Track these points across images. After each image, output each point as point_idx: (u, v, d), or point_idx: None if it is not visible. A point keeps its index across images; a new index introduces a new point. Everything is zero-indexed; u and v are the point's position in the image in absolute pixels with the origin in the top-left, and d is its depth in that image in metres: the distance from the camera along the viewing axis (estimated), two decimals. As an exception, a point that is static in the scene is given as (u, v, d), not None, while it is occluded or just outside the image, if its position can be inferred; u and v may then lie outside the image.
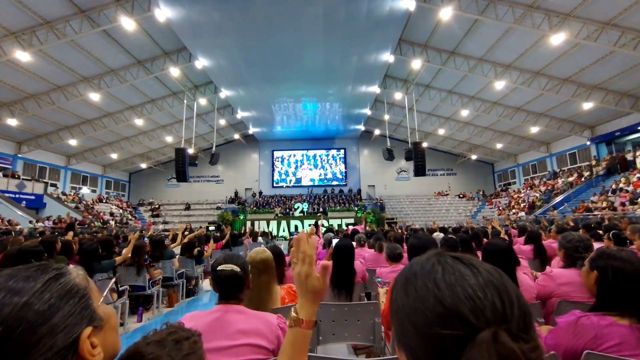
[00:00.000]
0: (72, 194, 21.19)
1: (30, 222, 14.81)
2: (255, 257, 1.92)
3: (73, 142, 19.05)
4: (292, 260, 0.82)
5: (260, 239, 12.15)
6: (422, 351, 0.43)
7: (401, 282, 0.49)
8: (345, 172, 27.78)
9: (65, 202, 19.35)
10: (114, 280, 4.26)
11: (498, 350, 0.37)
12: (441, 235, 4.81)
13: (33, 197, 17.51)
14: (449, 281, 0.44)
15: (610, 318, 1.28)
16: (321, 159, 28.04)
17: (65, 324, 0.48)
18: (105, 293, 0.61)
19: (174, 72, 14.95)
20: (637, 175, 13.85)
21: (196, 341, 0.63)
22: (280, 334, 1.38)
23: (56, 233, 11.29)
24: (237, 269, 1.46)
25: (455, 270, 0.45)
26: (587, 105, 14.48)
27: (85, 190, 23.14)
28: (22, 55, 11.44)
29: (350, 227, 14.82)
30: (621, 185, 14.02)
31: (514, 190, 23.11)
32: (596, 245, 2.55)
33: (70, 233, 6.13)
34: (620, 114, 15.15)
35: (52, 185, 20.33)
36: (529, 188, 21.25)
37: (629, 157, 15.54)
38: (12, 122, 15.06)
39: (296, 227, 20.37)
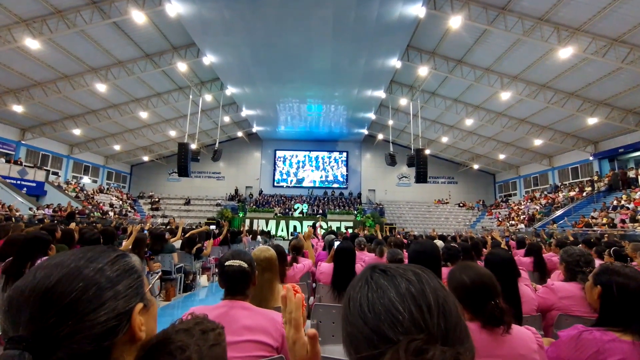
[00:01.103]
0: (74, 183, 21.23)
1: (30, 209, 14.84)
2: (260, 255, 1.93)
3: (77, 132, 19.12)
4: (283, 319, 0.75)
5: (259, 237, 12.15)
6: None
7: (343, 305, 0.52)
8: (347, 175, 27.79)
9: (66, 191, 19.39)
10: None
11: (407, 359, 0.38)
12: (439, 242, 4.81)
13: (34, 185, 17.54)
14: (371, 299, 0.46)
15: (613, 334, 1.28)
16: (323, 160, 28.07)
17: (126, 293, 0.55)
18: (152, 284, 0.65)
19: (182, 67, 15.01)
20: (639, 193, 13.84)
21: (220, 333, 0.65)
22: (284, 332, 1.39)
23: (56, 221, 11.30)
24: (244, 265, 1.48)
25: (378, 286, 0.47)
26: (592, 121, 14.49)
27: (86, 180, 23.19)
28: (32, 43, 11.50)
29: (349, 231, 14.83)
30: (622, 202, 14.01)
31: (515, 202, 23.10)
32: (597, 261, 2.56)
33: (73, 223, 6.14)
34: (625, 131, 15.15)
35: (54, 173, 20.38)
36: (529, 200, 21.24)
37: (632, 174, 15.54)
38: (18, 108, 15.12)
39: (295, 227, 20.36)
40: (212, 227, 12.26)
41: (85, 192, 21.15)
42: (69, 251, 0.58)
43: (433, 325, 0.41)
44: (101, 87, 15.14)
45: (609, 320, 1.35)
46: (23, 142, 18.18)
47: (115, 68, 14.55)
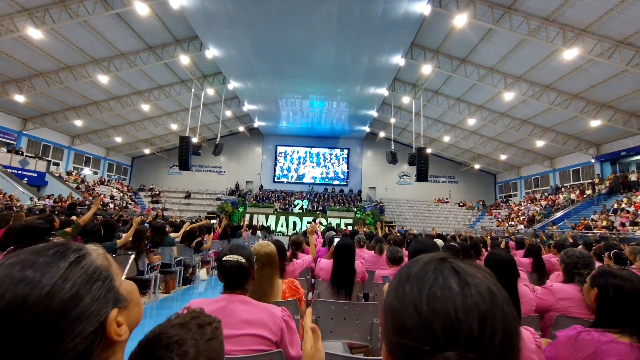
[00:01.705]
0: (75, 174, 21.26)
1: (31, 199, 14.88)
2: (260, 250, 1.94)
3: (78, 123, 19.10)
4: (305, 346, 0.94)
5: (258, 232, 12.19)
6: (395, 351, 0.44)
7: (397, 279, 0.49)
8: (347, 172, 27.78)
9: (67, 182, 19.42)
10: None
11: None
12: (439, 241, 4.82)
13: (35, 175, 17.57)
14: (433, 294, 0.43)
15: (610, 335, 1.29)
16: (324, 157, 28.04)
17: (92, 310, 0.47)
18: (126, 269, 0.63)
19: (184, 60, 14.95)
20: (640, 196, 13.82)
21: (217, 327, 0.64)
22: (283, 326, 1.40)
23: (56, 212, 11.34)
24: (242, 259, 1.47)
25: (445, 285, 0.43)
26: (595, 123, 14.43)
27: (87, 171, 23.21)
28: (34, 33, 11.45)
29: (349, 228, 14.86)
30: (623, 205, 13.99)
31: (515, 203, 23.09)
32: (597, 264, 2.56)
33: (74, 216, 6.17)
34: (627, 134, 15.09)
35: (55, 164, 20.39)
36: (530, 201, 21.23)
37: (633, 177, 15.51)
38: (20, 98, 15.10)
39: (295, 223, 20.40)
40: (213, 221, 12.32)
41: (86, 183, 21.18)
42: (11, 258, 0.48)
43: (490, 352, 0.39)
44: (103, 79, 15.09)
45: (606, 322, 1.36)
46: (24, 132, 18.18)
47: (117, 60, 14.50)
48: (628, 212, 13.32)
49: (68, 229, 4.07)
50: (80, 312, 0.45)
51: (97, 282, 0.50)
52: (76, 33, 12.54)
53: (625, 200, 14.26)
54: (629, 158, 16.80)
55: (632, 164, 17.51)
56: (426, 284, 0.44)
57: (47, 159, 19.29)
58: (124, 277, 0.57)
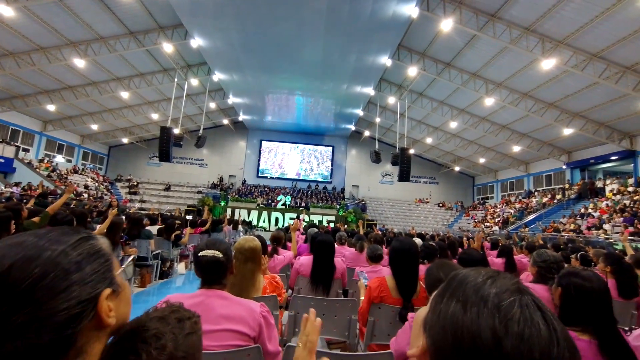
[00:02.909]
0: (46, 161, 20.21)
1: (-3, 186, 14.05)
2: (244, 245, 1.92)
3: (51, 108, 18.13)
4: (298, 342, 0.90)
5: (240, 227, 12.04)
6: None
7: (462, 293, 0.46)
8: (331, 169, 27.88)
9: (38, 170, 18.44)
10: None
11: None
12: (418, 240, 4.94)
13: (2, 161, 16.57)
14: (520, 332, 0.39)
15: (573, 332, 1.36)
16: (308, 154, 28.00)
17: (91, 278, 0.52)
18: (124, 266, 0.63)
19: (167, 48, 14.46)
20: (605, 202, 14.68)
21: (197, 322, 0.64)
22: (262, 322, 1.39)
23: (24, 200, 10.75)
24: (218, 254, 1.45)
25: (533, 325, 0.40)
26: (568, 131, 15.15)
27: (60, 159, 22.10)
28: (5, 10, 10.73)
29: (331, 225, 14.95)
30: (589, 210, 14.81)
31: (491, 205, 23.95)
32: (565, 265, 2.70)
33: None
34: (596, 143, 15.95)
35: (25, 150, 19.30)
36: (505, 204, 22.08)
37: (599, 184, 16.43)
38: (-14, 78, 14.16)
39: (277, 219, 20.31)
40: (189, 216, 12.09)
41: (58, 171, 20.19)
42: (28, 231, 0.53)
43: None
44: (80, 63, 14.37)
45: (568, 320, 1.44)
46: (-9, 115, 17.09)
47: (95, 43, 13.84)
48: (593, 216, 14.12)
49: (36, 219, 3.86)
50: (80, 278, 0.50)
51: (99, 259, 0.55)
52: (51, 13, 11.85)
53: (591, 205, 15.10)
54: (596, 166, 17.78)
55: (599, 172, 18.56)
56: (512, 316, 0.41)
57: (15, 144, 18.20)
58: (119, 271, 0.60)
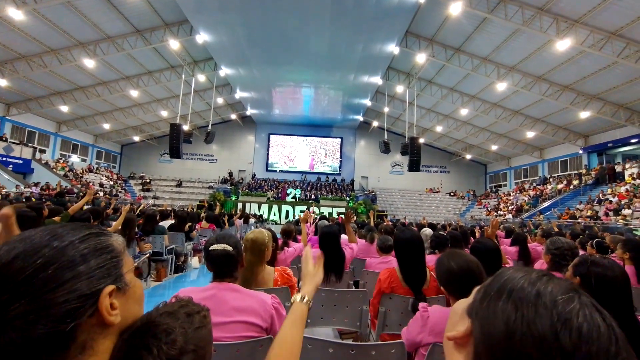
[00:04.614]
0: (62, 161, 20.78)
1: (17, 186, 14.53)
2: (248, 236, 1.96)
3: (64, 109, 18.55)
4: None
5: (251, 220, 12.19)
6: (500, 356, 0.40)
7: (516, 286, 0.44)
8: (340, 161, 27.78)
9: (54, 170, 18.99)
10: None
11: None
12: (429, 230, 4.90)
13: (21, 162, 17.11)
14: (579, 326, 0.38)
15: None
16: (317, 146, 27.93)
17: (95, 273, 0.52)
18: (136, 263, 0.64)
19: (174, 44, 14.52)
20: (624, 187, 14.20)
21: (206, 315, 0.64)
22: (273, 313, 1.41)
23: (43, 200, 11.11)
24: (229, 248, 1.47)
25: (592, 321, 0.39)
26: (584, 115, 14.64)
27: (75, 158, 22.70)
28: (15, 13, 10.93)
29: (342, 217, 14.95)
30: (607, 196, 14.37)
31: (504, 193, 23.50)
32: (581, 252, 2.63)
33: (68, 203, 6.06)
34: (615, 126, 15.38)
35: (41, 150, 19.87)
36: (519, 191, 21.63)
37: (618, 168, 15.88)
38: (2, 82, 14.54)
39: (287, 212, 20.45)
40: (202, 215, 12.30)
41: (74, 171, 20.75)
42: (41, 227, 0.54)
43: None
44: (89, 63, 14.60)
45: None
46: (8, 117, 17.60)
47: (104, 43, 14.00)
48: (611, 202, 13.70)
49: (57, 218, 4.00)
50: (82, 272, 0.50)
51: (106, 255, 0.55)
52: (60, 14, 12.02)
53: (609, 190, 14.64)
54: (615, 149, 17.16)
55: (618, 155, 17.91)
56: (572, 310, 0.40)
57: (32, 145, 18.76)
58: (130, 269, 0.60)
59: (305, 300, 1.02)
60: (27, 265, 0.47)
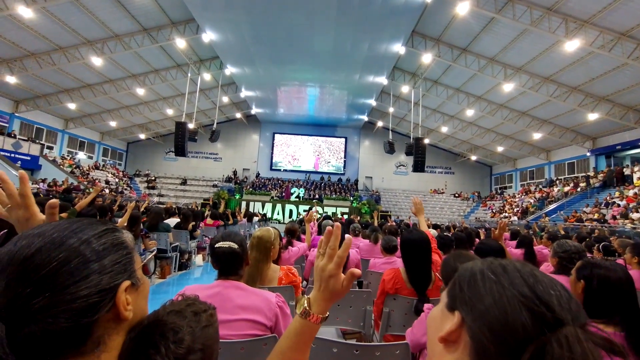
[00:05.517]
0: (69, 158, 21.02)
1: (25, 182, 14.70)
2: (255, 234, 1.97)
3: (72, 106, 18.75)
4: (319, 250, 0.78)
5: (255, 219, 12.23)
6: (498, 327, 0.44)
7: (486, 270, 0.51)
8: (345, 161, 27.74)
9: (62, 166, 19.21)
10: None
11: (582, 347, 0.40)
12: (433, 232, 4.88)
13: (29, 158, 17.33)
14: (534, 277, 0.48)
15: (597, 325, 1.31)
16: (321, 145, 27.93)
17: (112, 268, 0.53)
18: (145, 261, 0.65)
19: (180, 43, 14.60)
20: (633, 190, 14.00)
21: (212, 314, 0.64)
22: (278, 312, 1.42)
23: (51, 196, 11.25)
24: (235, 246, 1.48)
25: (536, 273, 0.49)
26: (593, 116, 14.45)
27: (81, 155, 22.95)
28: (25, 12, 11.07)
29: (345, 217, 14.96)
30: (614, 199, 14.17)
31: (510, 195, 23.29)
32: (588, 256, 2.60)
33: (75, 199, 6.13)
34: (624, 128, 15.16)
35: (49, 147, 20.11)
36: (524, 193, 21.43)
37: (627, 171, 15.66)
38: (11, 79, 14.73)
39: (291, 211, 20.48)
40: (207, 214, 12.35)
41: (80, 168, 20.98)
42: (55, 222, 0.54)
43: (582, 319, 0.45)
44: (97, 61, 14.74)
45: (592, 313, 1.38)
46: (17, 114, 17.83)
47: (111, 41, 14.13)
48: (619, 205, 13.51)
49: (64, 214, 4.05)
50: (101, 267, 0.51)
51: (121, 251, 0.56)
52: (68, 13, 12.15)
53: (617, 193, 14.44)
54: (623, 152, 16.93)
55: (626, 158, 17.66)
56: (524, 272, 0.49)
57: (40, 142, 18.99)
58: (140, 265, 0.61)
59: (314, 312, 0.75)
60: (49, 259, 0.47)
